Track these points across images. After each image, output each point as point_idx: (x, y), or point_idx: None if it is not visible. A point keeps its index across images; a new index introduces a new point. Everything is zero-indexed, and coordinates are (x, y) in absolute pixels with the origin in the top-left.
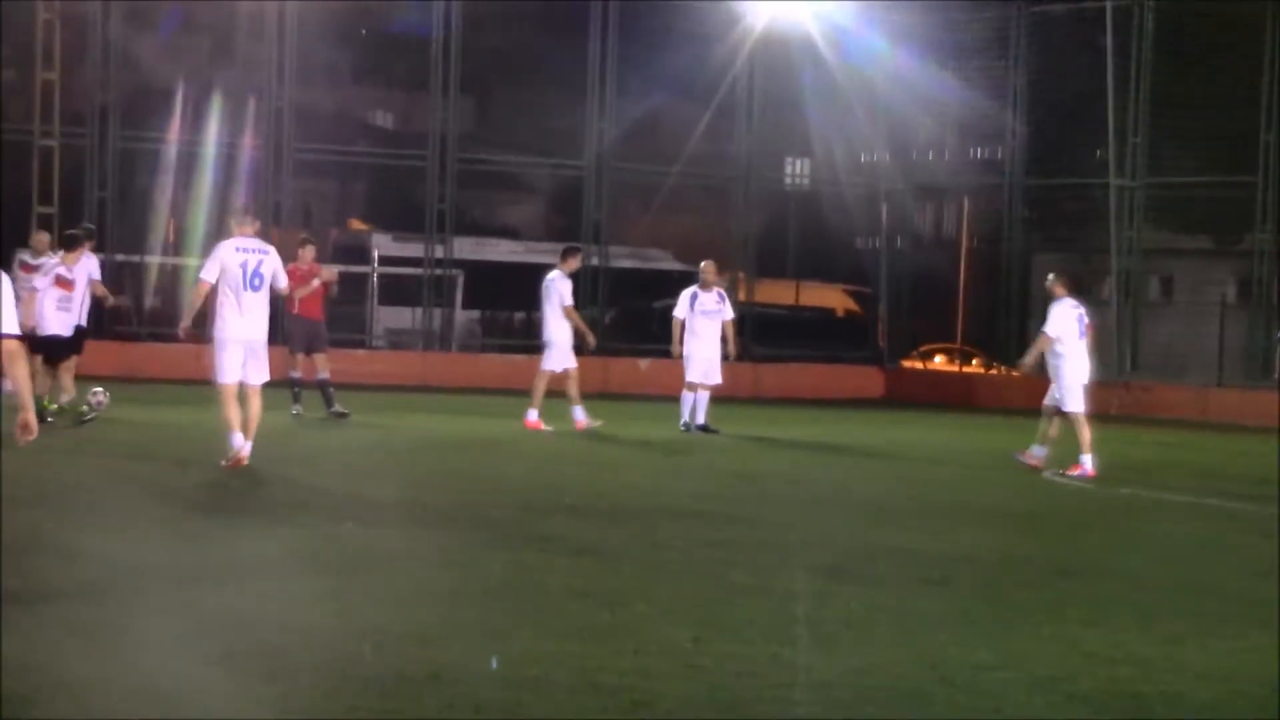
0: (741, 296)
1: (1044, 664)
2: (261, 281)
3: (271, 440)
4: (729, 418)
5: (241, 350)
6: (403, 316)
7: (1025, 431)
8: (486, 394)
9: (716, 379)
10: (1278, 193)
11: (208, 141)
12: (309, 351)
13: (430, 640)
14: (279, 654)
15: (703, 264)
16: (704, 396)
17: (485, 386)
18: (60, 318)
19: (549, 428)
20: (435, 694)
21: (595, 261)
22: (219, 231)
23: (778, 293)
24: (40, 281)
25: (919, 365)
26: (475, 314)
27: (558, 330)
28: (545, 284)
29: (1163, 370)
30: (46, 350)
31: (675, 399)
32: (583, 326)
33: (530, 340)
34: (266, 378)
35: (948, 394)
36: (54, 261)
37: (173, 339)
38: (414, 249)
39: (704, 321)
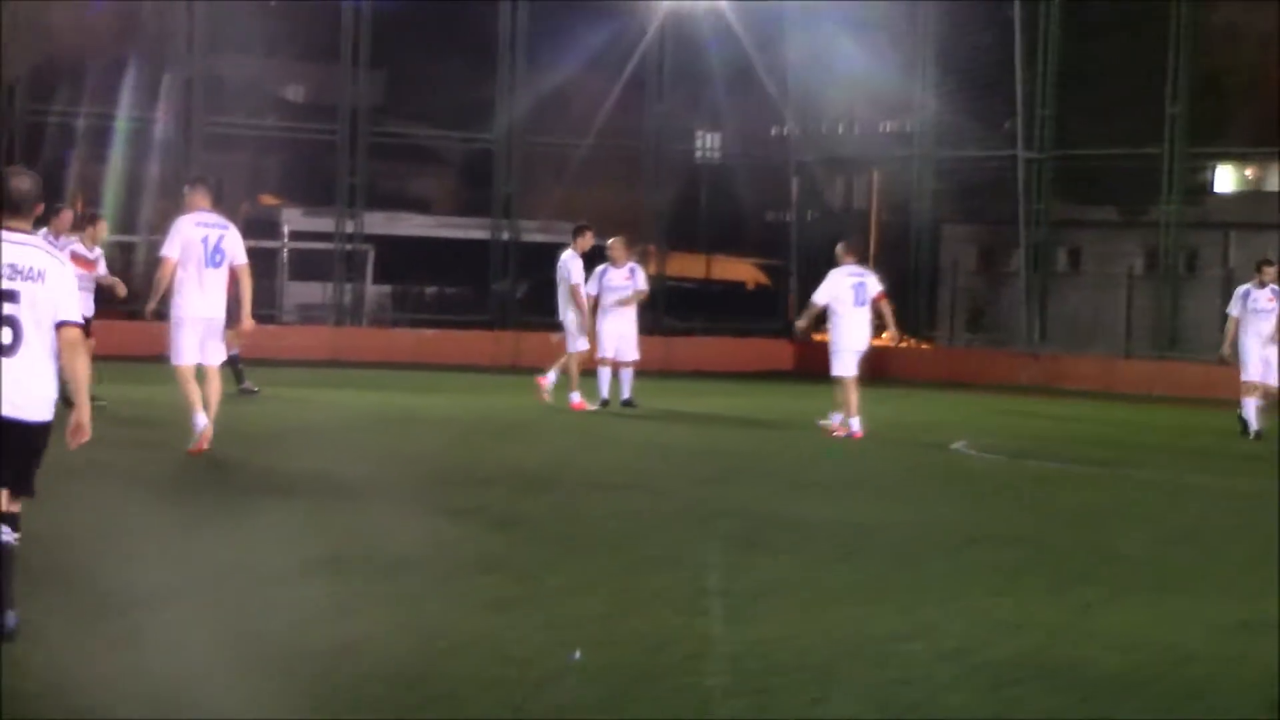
0: (652, 270)
1: (952, 634)
2: (223, 258)
3: (181, 416)
4: (641, 390)
5: (201, 329)
6: (313, 291)
7: (933, 403)
8: (398, 369)
9: (632, 355)
10: (1183, 165)
11: (117, 115)
12: None
13: (342, 612)
14: (184, 628)
15: (610, 241)
16: (626, 373)
17: (397, 361)
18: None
19: (592, 405)
20: (348, 665)
21: (506, 235)
22: (128, 206)
23: (689, 266)
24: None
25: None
26: (386, 289)
27: (571, 311)
28: (559, 265)
29: (1070, 341)
30: None
31: (588, 374)
32: (583, 307)
33: (441, 315)
34: (223, 357)
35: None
36: (74, 240)
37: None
38: (324, 223)
39: (614, 299)
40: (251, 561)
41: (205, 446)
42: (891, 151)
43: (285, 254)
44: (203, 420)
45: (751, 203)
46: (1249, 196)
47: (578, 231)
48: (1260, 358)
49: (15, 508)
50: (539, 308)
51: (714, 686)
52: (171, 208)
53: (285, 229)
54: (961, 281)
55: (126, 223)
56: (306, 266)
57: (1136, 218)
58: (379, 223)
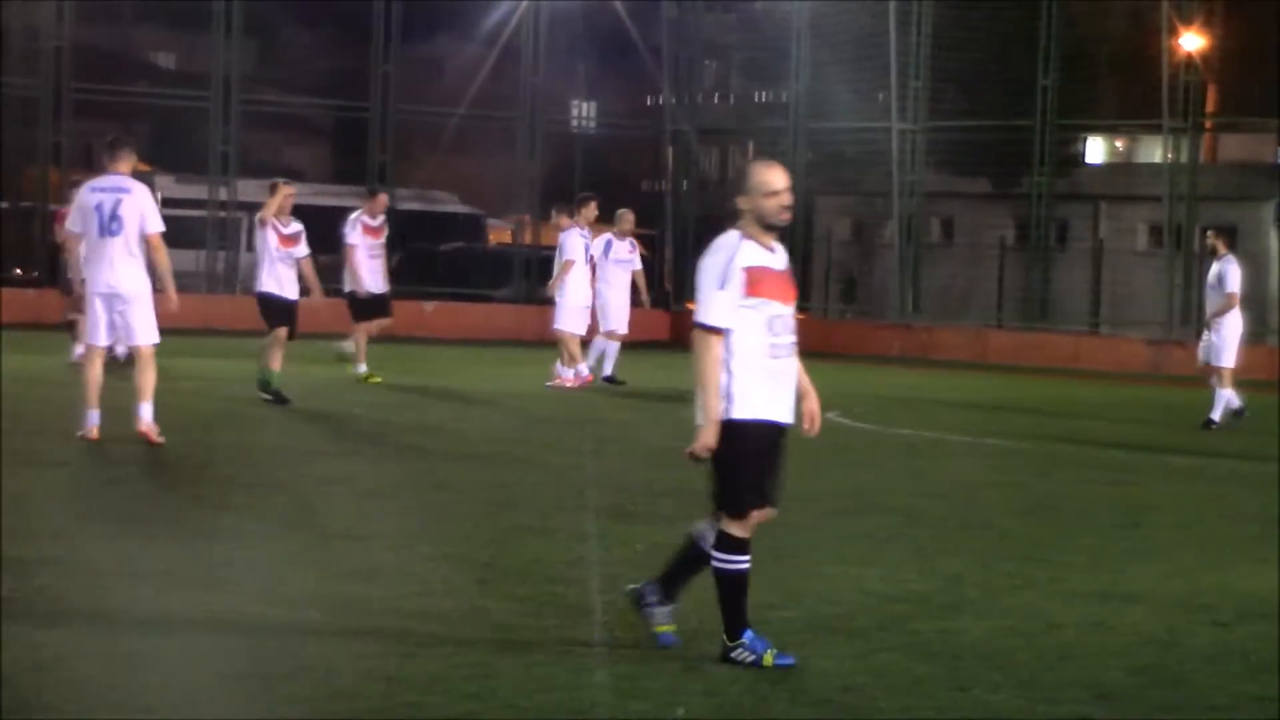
0: (527, 239)
1: (825, 602)
2: (120, 225)
3: (47, 384)
4: (516, 360)
5: (108, 305)
6: (186, 259)
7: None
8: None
9: (625, 329)
10: (1055, 136)
11: None
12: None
13: (209, 584)
14: (53, 599)
15: (620, 212)
16: (613, 348)
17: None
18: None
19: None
20: (211, 636)
21: None
22: None
23: None
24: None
25: (561, 296)
26: None
27: (568, 289)
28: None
29: (943, 312)
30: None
31: (460, 342)
32: (554, 285)
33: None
34: (154, 338)
35: None
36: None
37: None
38: (198, 191)
39: (619, 272)
40: (109, 531)
41: (153, 437)
42: (766, 122)
43: None
44: (95, 416)
45: (627, 172)
46: (1119, 168)
47: (581, 203)
48: (1203, 336)
49: (730, 528)
50: (413, 277)
51: (585, 656)
52: (41, 175)
53: (158, 195)
54: (835, 253)
55: None
56: (179, 234)
57: (1008, 189)
58: (252, 190)
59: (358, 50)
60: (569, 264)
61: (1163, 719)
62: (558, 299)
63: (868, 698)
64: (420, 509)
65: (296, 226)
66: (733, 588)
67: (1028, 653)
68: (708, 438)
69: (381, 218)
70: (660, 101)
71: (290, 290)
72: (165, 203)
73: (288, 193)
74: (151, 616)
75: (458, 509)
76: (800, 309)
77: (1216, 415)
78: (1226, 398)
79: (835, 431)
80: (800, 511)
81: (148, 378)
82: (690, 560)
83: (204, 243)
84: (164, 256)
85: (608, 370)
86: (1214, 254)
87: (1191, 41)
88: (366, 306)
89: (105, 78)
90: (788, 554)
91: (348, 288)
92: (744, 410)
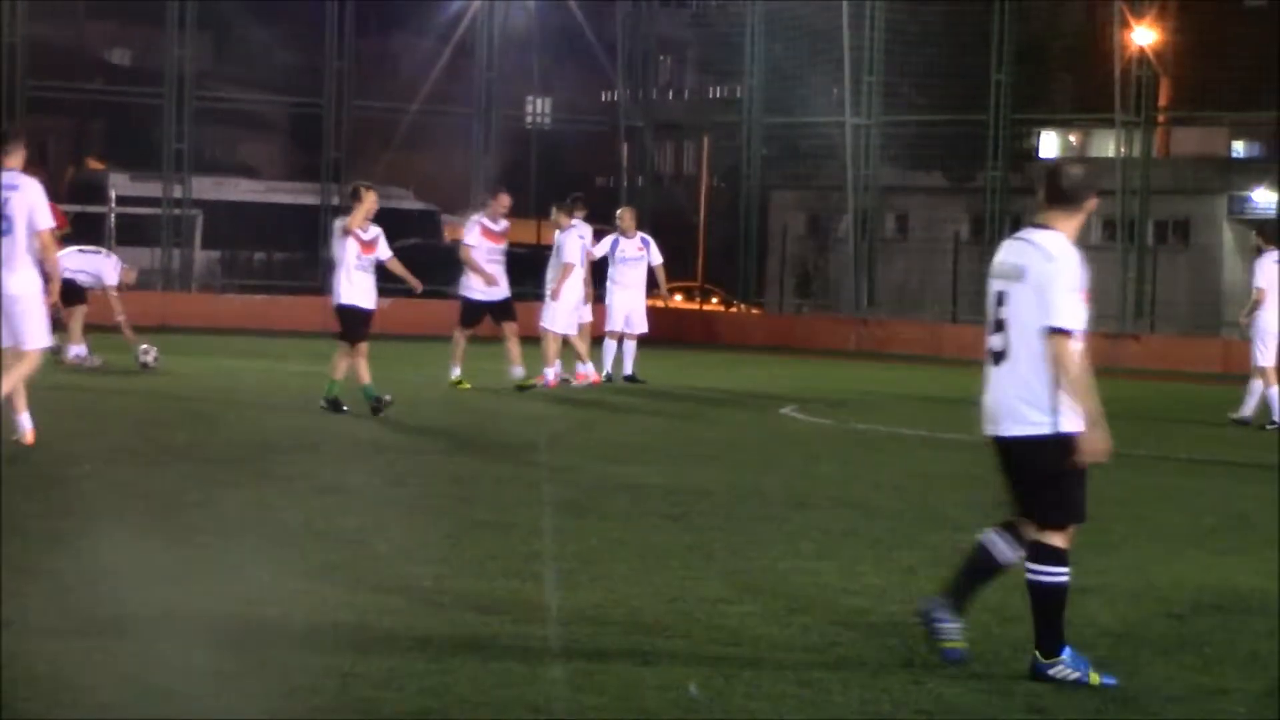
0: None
1: (780, 596)
2: (10, 224)
3: None
4: (472, 356)
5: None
6: (141, 256)
7: (762, 368)
8: (226, 334)
9: (641, 328)
10: (1008, 131)
11: None
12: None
13: (166, 579)
14: (4, 599)
15: (620, 211)
16: (630, 347)
17: (224, 326)
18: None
19: (591, 380)
20: (167, 634)
21: (335, 200)
22: None
23: (519, 231)
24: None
25: (659, 303)
26: (215, 254)
27: (561, 291)
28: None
29: (898, 306)
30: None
31: (417, 338)
32: (557, 288)
33: (270, 280)
34: (44, 340)
35: (688, 331)
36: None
37: None
38: (152, 188)
39: (626, 270)
40: (67, 529)
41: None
42: (721, 117)
43: (113, 219)
44: (27, 419)
45: (582, 168)
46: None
47: (574, 202)
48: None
49: (1053, 539)
50: None
51: (543, 649)
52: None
53: (112, 193)
54: (791, 247)
55: None
56: (134, 231)
57: (962, 183)
58: (207, 188)
59: (312, 46)
60: (569, 267)
61: (1117, 713)
62: (548, 299)
63: (824, 690)
64: (376, 504)
65: (375, 231)
66: (1051, 600)
67: (984, 645)
68: (1097, 441)
69: (504, 222)
70: (615, 97)
71: (369, 300)
72: (120, 200)
73: (374, 198)
74: (105, 615)
75: (413, 504)
76: (756, 304)
77: (1277, 416)
78: (1270, 396)
79: (791, 426)
80: (756, 506)
81: (17, 377)
82: (982, 571)
83: (158, 240)
84: (53, 254)
85: (628, 369)
86: (1257, 252)
87: (1144, 36)
88: (476, 312)
89: (59, 75)
90: (743, 548)
91: (461, 291)
92: (1074, 422)
